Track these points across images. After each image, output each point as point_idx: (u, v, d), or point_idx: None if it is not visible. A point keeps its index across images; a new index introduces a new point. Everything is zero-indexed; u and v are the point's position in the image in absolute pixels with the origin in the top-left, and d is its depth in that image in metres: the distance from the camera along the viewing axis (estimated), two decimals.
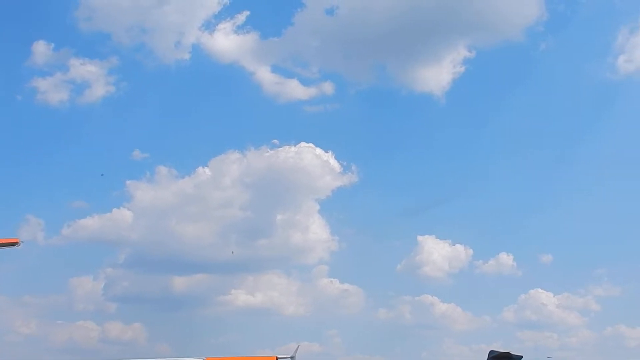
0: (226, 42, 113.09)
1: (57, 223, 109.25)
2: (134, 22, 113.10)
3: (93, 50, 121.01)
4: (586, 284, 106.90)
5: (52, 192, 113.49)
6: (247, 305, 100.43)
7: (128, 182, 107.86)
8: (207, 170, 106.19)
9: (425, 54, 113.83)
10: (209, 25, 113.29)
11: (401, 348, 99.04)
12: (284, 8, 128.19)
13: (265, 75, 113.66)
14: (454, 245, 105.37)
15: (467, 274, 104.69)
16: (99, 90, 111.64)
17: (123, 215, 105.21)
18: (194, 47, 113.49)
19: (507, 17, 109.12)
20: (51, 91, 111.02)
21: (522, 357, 47.02)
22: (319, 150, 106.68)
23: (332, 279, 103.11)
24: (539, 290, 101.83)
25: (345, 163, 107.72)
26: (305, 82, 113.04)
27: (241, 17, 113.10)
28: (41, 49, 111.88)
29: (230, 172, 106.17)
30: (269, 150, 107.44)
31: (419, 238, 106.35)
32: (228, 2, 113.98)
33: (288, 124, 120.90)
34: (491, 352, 47.92)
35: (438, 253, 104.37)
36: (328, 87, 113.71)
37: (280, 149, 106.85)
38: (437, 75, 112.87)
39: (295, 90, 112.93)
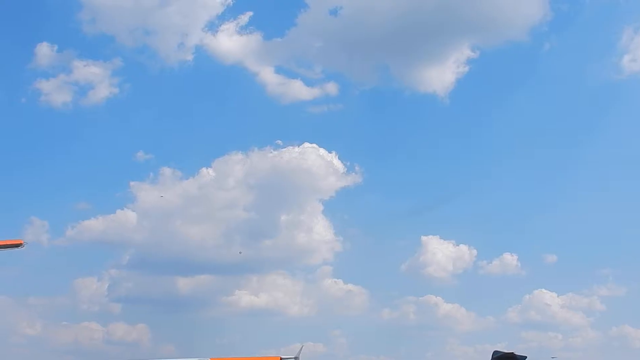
0: (229, 43, 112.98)
1: (61, 224, 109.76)
2: (137, 24, 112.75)
3: (96, 52, 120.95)
4: (591, 284, 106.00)
5: (56, 194, 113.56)
6: (251, 306, 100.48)
7: (132, 183, 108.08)
8: (210, 171, 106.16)
9: (429, 54, 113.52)
10: (212, 26, 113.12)
11: (405, 348, 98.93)
12: (288, 9, 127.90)
13: (268, 76, 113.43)
14: (458, 245, 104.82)
15: (471, 274, 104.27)
16: (103, 91, 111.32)
17: (127, 216, 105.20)
18: (197, 48, 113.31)
19: (511, 17, 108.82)
20: (55, 93, 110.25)
21: (526, 357, 46.87)
22: (322, 151, 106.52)
23: (336, 280, 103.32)
24: (543, 290, 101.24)
25: (349, 163, 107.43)
26: (308, 82, 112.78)
27: (244, 18, 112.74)
28: (44, 51, 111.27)
29: (234, 173, 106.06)
30: (272, 150, 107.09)
31: (423, 238, 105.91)
32: (231, 2, 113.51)
33: (292, 125, 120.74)
34: (495, 352, 47.78)
35: (442, 253, 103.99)
36: (332, 88, 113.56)
37: (284, 149, 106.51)
38: (441, 75, 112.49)
39: (299, 90, 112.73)
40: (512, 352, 51.12)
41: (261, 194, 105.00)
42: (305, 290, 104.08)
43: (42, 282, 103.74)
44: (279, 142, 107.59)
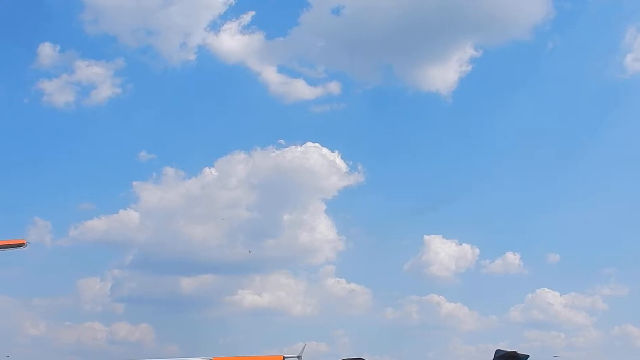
0: (232, 42, 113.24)
1: (64, 225, 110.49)
2: (140, 24, 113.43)
3: (99, 52, 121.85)
4: (593, 283, 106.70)
5: (58, 194, 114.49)
6: (254, 306, 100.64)
7: (134, 183, 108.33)
8: (213, 170, 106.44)
9: (431, 53, 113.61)
10: (215, 26, 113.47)
11: (408, 348, 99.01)
12: (290, 8, 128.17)
13: (271, 75, 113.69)
14: (461, 244, 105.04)
15: (474, 274, 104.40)
16: (105, 91, 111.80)
17: (130, 216, 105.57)
18: (199, 48, 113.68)
19: (514, 15, 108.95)
20: (57, 93, 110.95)
21: (528, 356, 46.89)
22: (325, 150, 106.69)
23: (339, 279, 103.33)
24: (546, 289, 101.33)
25: (351, 163, 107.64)
26: (311, 82, 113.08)
27: (246, 18, 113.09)
28: (47, 51, 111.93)
29: (236, 172, 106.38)
30: (275, 150, 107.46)
31: (426, 238, 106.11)
32: (233, 2, 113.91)
33: (294, 124, 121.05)
34: (497, 351, 47.82)
35: (445, 252, 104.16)
36: (334, 87, 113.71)
37: (286, 149, 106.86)
38: (444, 74, 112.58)
39: (301, 90, 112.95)
40: (515, 351, 50.76)
41: (264, 193, 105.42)
42: (308, 290, 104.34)
43: (45, 282, 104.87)
44: (282, 141, 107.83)
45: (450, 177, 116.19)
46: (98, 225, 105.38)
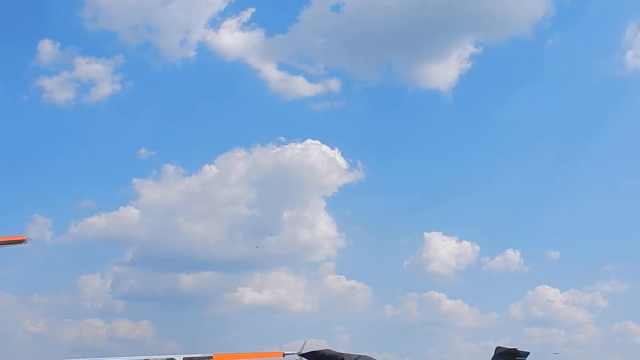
0: (231, 39, 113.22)
1: (64, 222, 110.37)
2: (140, 21, 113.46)
3: (99, 49, 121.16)
4: (593, 280, 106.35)
5: (58, 191, 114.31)
6: (254, 303, 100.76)
7: (134, 180, 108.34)
8: (213, 168, 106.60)
9: (431, 50, 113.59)
10: (214, 23, 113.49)
11: (408, 345, 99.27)
12: (290, 5, 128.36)
13: (271, 72, 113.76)
14: (461, 241, 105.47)
15: (474, 271, 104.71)
16: (105, 88, 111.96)
17: (130, 213, 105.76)
18: (199, 45, 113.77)
19: (514, 12, 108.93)
20: (57, 90, 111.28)
21: (528, 353, 46.98)
22: (325, 147, 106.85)
23: (339, 276, 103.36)
24: (546, 286, 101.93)
25: (351, 160, 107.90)
26: (311, 79, 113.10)
27: (246, 14, 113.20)
28: (47, 48, 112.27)
29: (236, 169, 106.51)
30: (275, 147, 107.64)
31: (426, 235, 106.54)
32: None
33: (294, 121, 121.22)
34: (498, 348, 47.89)
35: (445, 250, 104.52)
36: (334, 84, 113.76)
37: (286, 146, 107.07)
38: (444, 71, 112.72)
39: (301, 87, 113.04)
40: (515, 348, 50.92)
41: (264, 190, 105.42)
42: (308, 287, 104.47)
43: (46, 279, 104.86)
44: (282, 138, 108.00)
45: (450, 174, 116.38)
46: (98, 222, 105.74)
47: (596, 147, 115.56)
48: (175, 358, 48.18)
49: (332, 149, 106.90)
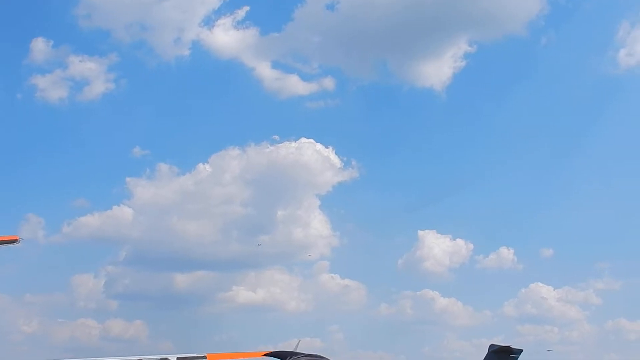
0: (226, 38, 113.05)
1: (57, 221, 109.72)
2: (134, 19, 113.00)
3: (92, 47, 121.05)
4: (587, 277, 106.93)
5: (52, 190, 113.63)
6: (248, 302, 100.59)
7: (128, 179, 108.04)
8: (207, 166, 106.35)
9: (426, 48, 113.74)
10: (209, 21, 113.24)
11: (403, 343, 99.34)
12: (284, 3, 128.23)
13: (265, 71, 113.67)
14: (455, 240, 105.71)
15: (468, 269, 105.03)
16: (99, 87, 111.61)
17: (123, 212, 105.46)
18: (193, 43, 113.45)
19: (508, 11, 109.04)
20: (50, 89, 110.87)
21: (522, 350, 47.12)
22: (319, 146, 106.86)
23: (333, 275, 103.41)
24: (540, 284, 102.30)
25: (345, 158, 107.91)
26: (305, 77, 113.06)
27: (241, 13, 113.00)
28: (40, 46, 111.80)
29: (230, 168, 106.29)
30: (269, 146, 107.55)
31: (420, 233, 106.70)
32: None
33: (288, 120, 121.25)
34: (491, 346, 48.00)
35: (439, 248, 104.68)
36: (329, 83, 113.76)
37: (280, 144, 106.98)
38: (438, 70, 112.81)
39: (296, 85, 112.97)
40: (509, 346, 50.99)
41: (258, 189, 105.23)
42: (303, 286, 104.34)
43: (39, 279, 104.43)
44: (276, 137, 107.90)
45: (444, 173, 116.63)
46: (91, 221, 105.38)
47: (590, 146, 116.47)
48: (169, 358, 47.97)
49: (327, 147, 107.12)
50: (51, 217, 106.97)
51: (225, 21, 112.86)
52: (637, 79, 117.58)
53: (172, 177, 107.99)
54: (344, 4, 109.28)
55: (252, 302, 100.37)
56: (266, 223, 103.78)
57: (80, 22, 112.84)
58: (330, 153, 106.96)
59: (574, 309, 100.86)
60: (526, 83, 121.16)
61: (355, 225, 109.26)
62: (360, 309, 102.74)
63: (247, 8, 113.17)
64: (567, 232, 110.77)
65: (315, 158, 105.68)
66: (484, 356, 48.18)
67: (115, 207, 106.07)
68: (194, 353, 51.69)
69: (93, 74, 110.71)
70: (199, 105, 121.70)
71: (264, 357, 46.73)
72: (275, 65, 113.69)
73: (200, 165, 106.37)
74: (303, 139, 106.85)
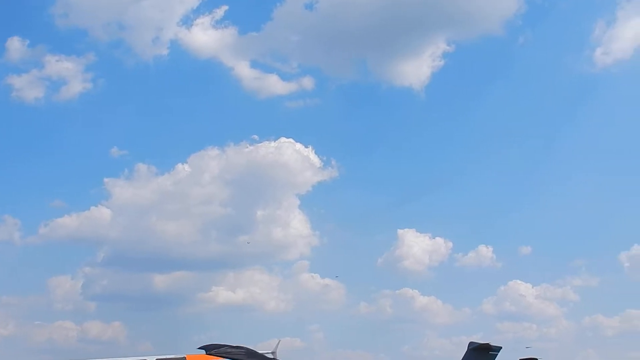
0: (204, 37, 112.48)
1: (34, 222, 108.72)
2: (111, 18, 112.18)
3: (69, 47, 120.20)
4: (564, 274, 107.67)
5: (28, 191, 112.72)
6: (228, 302, 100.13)
7: (106, 179, 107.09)
8: (186, 166, 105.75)
9: (405, 48, 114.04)
10: (187, 21, 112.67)
11: (382, 342, 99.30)
12: (263, 3, 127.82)
13: (244, 70, 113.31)
14: (434, 238, 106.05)
15: (447, 267, 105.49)
16: (76, 87, 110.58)
17: (101, 213, 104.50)
18: (172, 42, 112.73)
19: (486, 10, 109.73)
20: (26, 88, 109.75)
21: (501, 347, 47.40)
22: (299, 146, 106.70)
23: (313, 274, 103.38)
24: (518, 281, 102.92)
25: (325, 158, 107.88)
26: (284, 77, 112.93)
27: (219, 12, 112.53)
28: (16, 45, 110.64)
29: (209, 168, 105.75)
30: (248, 145, 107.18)
31: (399, 232, 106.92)
32: None
33: (268, 120, 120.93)
34: (471, 343, 48.23)
35: (418, 246, 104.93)
36: (308, 82, 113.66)
37: (260, 144, 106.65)
38: (417, 69, 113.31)
39: (275, 85, 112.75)
40: (488, 343, 51.20)
41: (237, 189, 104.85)
42: (282, 286, 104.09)
43: (15, 281, 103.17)
44: (255, 137, 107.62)
45: (423, 172, 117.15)
46: (69, 222, 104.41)
47: (566, 144, 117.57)
48: (147, 359, 47.64)
49: (306, 147, 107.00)
50: (28, 219, 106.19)
51: (204, 20, 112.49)
52: (613, 77, 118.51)
53: (150, 178, 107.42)
54: (323, 4, 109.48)
55: (232, 302, 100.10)
56: (246, 223, 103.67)
57: (57, 21, 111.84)
58: (309, 152, 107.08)
59: (552, 306, 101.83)
60: (504, 82, 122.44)
61: (335, 224, 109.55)
62: (340, 308, 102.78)
63: (225, 7, 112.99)
64: (545, 230, 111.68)
65: (294, 158, 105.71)
66: (464, 354, 48.41)
67: (93, 207, 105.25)
68: (173, 354, 51.36)
69: (70, 73, 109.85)
70: (177, 105, 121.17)
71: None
72: (254, 64, 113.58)
73: (179, 166, 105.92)
74: (282, 139, 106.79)
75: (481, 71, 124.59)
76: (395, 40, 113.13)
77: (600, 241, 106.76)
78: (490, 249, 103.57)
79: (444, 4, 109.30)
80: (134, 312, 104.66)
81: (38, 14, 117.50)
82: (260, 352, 53.12)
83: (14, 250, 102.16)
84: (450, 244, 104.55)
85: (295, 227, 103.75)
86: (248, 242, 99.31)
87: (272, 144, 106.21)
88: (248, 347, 43.54)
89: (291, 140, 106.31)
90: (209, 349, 43.09)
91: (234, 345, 41.98)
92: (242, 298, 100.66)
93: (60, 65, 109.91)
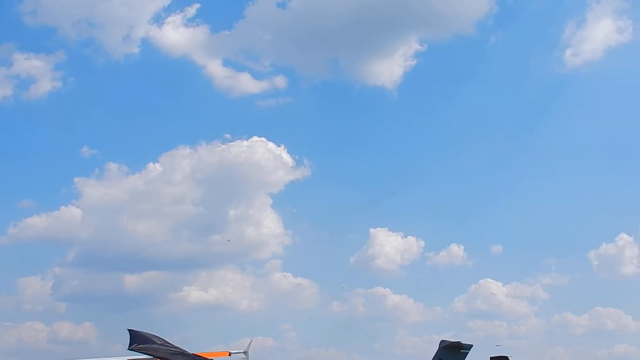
0: (176, 35, 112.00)
1: (2, 222, 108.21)
2: (81, 16, 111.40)
3: (38, 45, 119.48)
4: (535, 273, 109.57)
5: None
6: (200, 302, 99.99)
7: (76, 179, 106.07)
8: (157, 166, 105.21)
9: (377, 47, 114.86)
10: (158, 19, 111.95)
11: (355, 340, 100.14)
12: (235, 1, 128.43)
13: (216, 69, 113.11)
14: (406, 237, 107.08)
15: (419, 266, 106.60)
16: (45, 85, 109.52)
17: (72, 213, 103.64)
18: (143, 41, 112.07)
19: (457, 10, 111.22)
20: None
21: (472, 345, 47.83)
22: (271, 145, 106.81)
23: (286, 274, 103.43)
24: (489, 280, 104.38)
25: (297, 157, 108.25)
26: (257, 76, 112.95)
27: (191, 10, 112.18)
28: None
29: (181, 167, 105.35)
30: (220, 144, 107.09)
31: (372, 231, 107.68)
32: None
33: (240, 118, 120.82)
34: (442, 342, 48.58)
35: (390, 245, 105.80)
36: (280, 81, 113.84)
37: (232, 143, 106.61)
38: (389, 68, 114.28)
39: (247, 84, 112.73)
40: (459, 341, 51.60)
41: (209, 188, 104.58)
42: (255, 285, 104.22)
43: None
44: (227, 136, 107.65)
45: (395, 171, 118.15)
46: (38, 222, 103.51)
47: (537, 144, 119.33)
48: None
49: (278, 146, 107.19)
50: None
51: (175, 18, 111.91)
52: (583, 78, 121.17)
53: (121, 177, 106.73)
54: (296, 2, 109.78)
55: (204, 302, 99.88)
56: (218, 222, 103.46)
57: (26, 18, 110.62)
58: (282, 151, 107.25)
59: (522, 304, 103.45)
60: (475, 82, 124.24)
61: (308, 223, 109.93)
62: (312, 307, 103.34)
63: (197, 5, 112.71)
64: (516, 229, 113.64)
65: (267, 157, 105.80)
66: (435, 352, 48.78)
67: (63, 207, 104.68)
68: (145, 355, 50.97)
69: (39, 71, 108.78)
70: (148, 104, 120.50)
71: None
72: (226, 63, 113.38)
73: (151, 165, 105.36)
74: (255, 138, 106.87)
75: (453, 71, 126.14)
76: (368, 39, 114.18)
77: (569, 240, 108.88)
78: (462, 247, 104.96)
79: (416, 4, 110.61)
80: (105, 313, 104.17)
81: (6, 11, 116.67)
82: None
83: None
84: (422, 243, 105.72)
85: (267, 226, 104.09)
86: (228, 240, 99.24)
87: (245, 143, 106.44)
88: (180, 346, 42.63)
89: (263, 139, 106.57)
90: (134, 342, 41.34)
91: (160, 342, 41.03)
92: (214, 297, 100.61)
93: (29, 64, 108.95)
